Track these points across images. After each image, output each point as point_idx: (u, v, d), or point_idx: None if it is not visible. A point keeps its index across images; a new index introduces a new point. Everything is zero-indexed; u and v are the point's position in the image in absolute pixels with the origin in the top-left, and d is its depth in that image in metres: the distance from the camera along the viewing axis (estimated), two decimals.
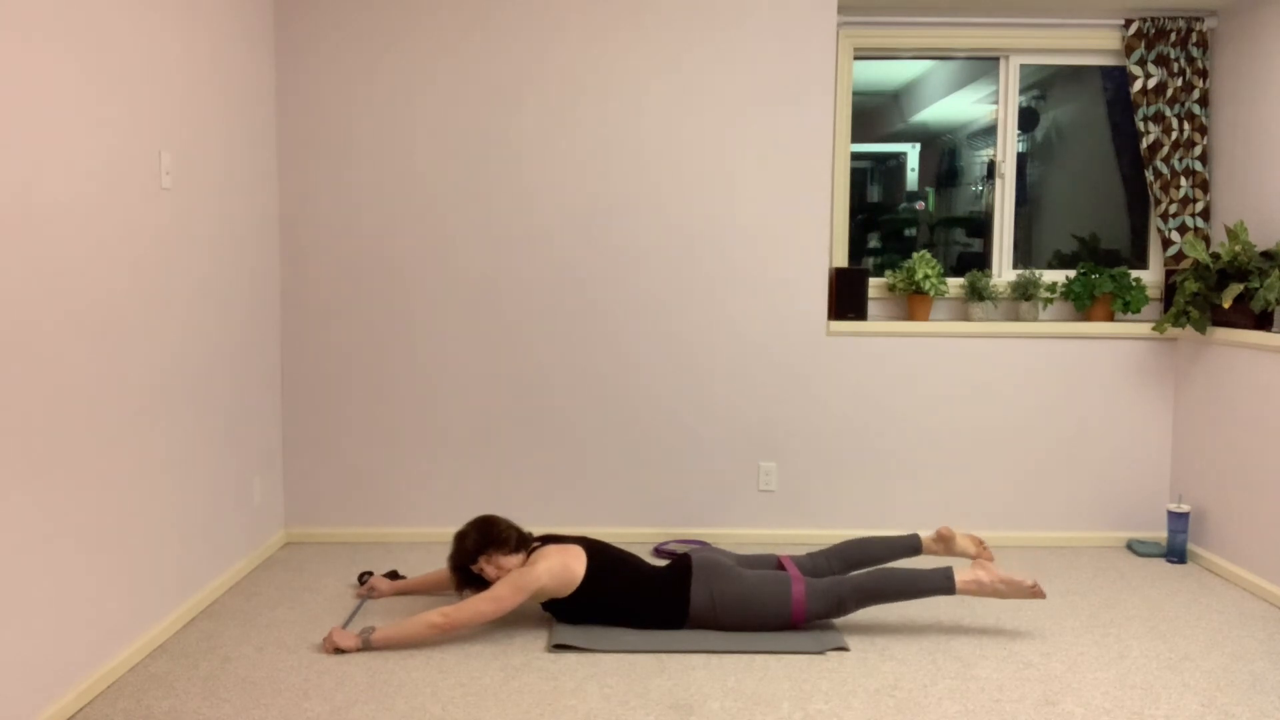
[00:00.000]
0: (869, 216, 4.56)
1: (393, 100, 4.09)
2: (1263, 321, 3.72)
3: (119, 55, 2.82)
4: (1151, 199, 4.27)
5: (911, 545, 3.43)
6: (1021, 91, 4.44)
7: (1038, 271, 4.36)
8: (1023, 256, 4.49)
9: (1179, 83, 4.18)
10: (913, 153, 4.55)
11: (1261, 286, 3.62)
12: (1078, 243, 4.48)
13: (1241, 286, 3.67)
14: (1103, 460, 4.27)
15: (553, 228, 4.14)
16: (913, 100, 4.57)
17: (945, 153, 4.55)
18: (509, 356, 4.19)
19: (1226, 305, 3.72)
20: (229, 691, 2.74)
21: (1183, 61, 4.18)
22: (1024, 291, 4.24)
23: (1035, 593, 3.14)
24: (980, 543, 3.43)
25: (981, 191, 4.50)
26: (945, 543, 3.44)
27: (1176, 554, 4.03)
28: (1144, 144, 4.21)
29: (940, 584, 3.12)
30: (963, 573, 3.16)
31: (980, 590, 3.14)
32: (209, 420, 3.44)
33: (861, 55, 4.37)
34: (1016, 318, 4.33)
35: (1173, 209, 4.21)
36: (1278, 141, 3.81)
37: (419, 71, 4.08)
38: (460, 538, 3.21)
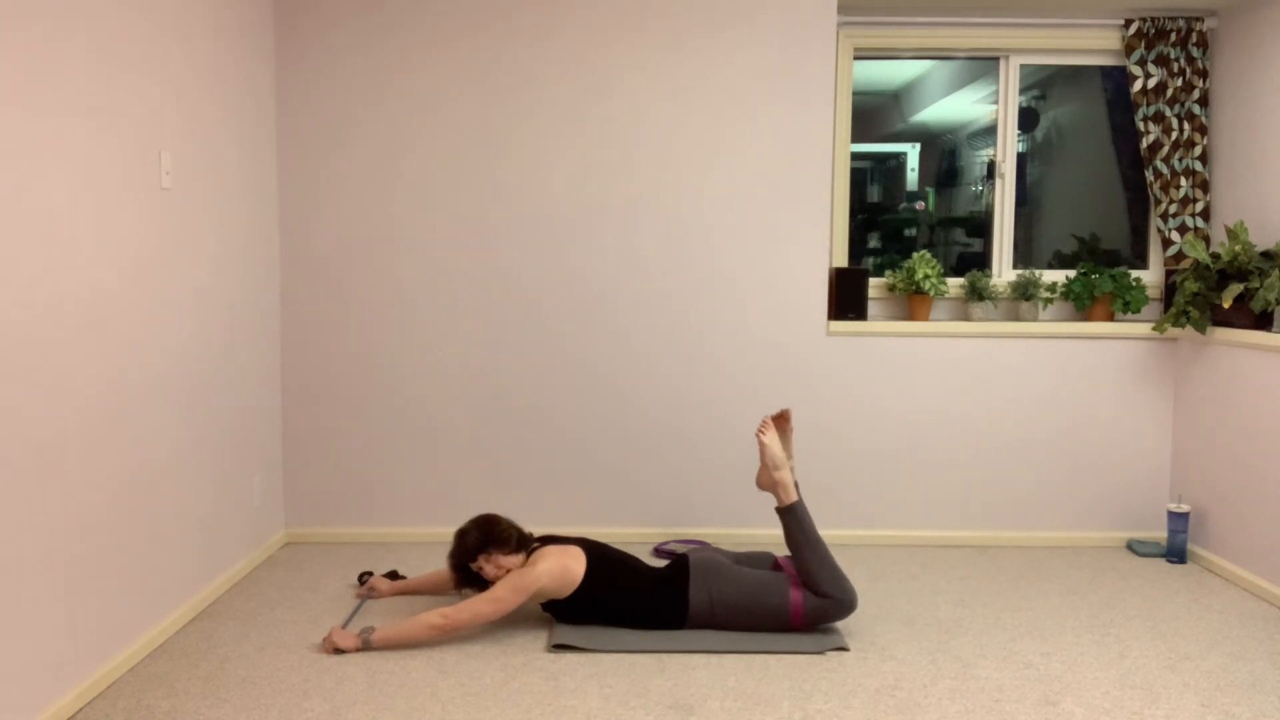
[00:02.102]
0: (869, 216, 4.56)
1: (392, 100, 4.08)
2: (1263, 321, 3.72)
3: (119, 55, 2.82)
4: (1151, 199, 4.27)
5: (777, 504, 3.31)
6: (1021, 91, 4.44)
7: (1038, 271, 4.36)
8: (1023, 256, 4.49)
9: (1179, 83, 4.18)
10: (913, 153, 4.55)
11: (1261, 286, 3.62)
12: (1078, 243, 4.48)
13: (1241, 286, 3.67)
14: (1103, 460, 4.27)
15: (552, 228, 4.14)
16: (913, 100, 4.57)
17: (945, 153, 4.55)
18: (508, 357, 4.19)
19: (1226, 305, 3.72)
20: (229, 691, 2.74)
21: (1183, 61, 4.18)
22: (1024, 291, 4.24)
23: (768, 424, 3.22)
24: (773, 420, 3.32)
25: (981, 191, 4.50)
26: (768, 470, 3.26)
27: (1176, 554, 4.03)
28: (1144, 144, 4.21)
29: (796, 511, 3.14)
30: (781, 492, 3.18)
31: (787, 480, 3.18)
32: (209, 420, 3.44)
33: (861, 55, 4.37)
34: (1016, 318, 4.33)
35: (1173, 209, 4.21)
36: (1278, 141, 3.81)
37: (419, 71, 4.08)
38: (461, 536, 3.21)
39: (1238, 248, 3.75)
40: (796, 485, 3.22)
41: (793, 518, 3.16)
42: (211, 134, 3.45)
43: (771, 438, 3.23)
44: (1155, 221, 4.29)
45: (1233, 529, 3.85)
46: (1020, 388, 4.24)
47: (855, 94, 4.40)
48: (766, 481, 3.26)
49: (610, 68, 4.09)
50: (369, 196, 4.12)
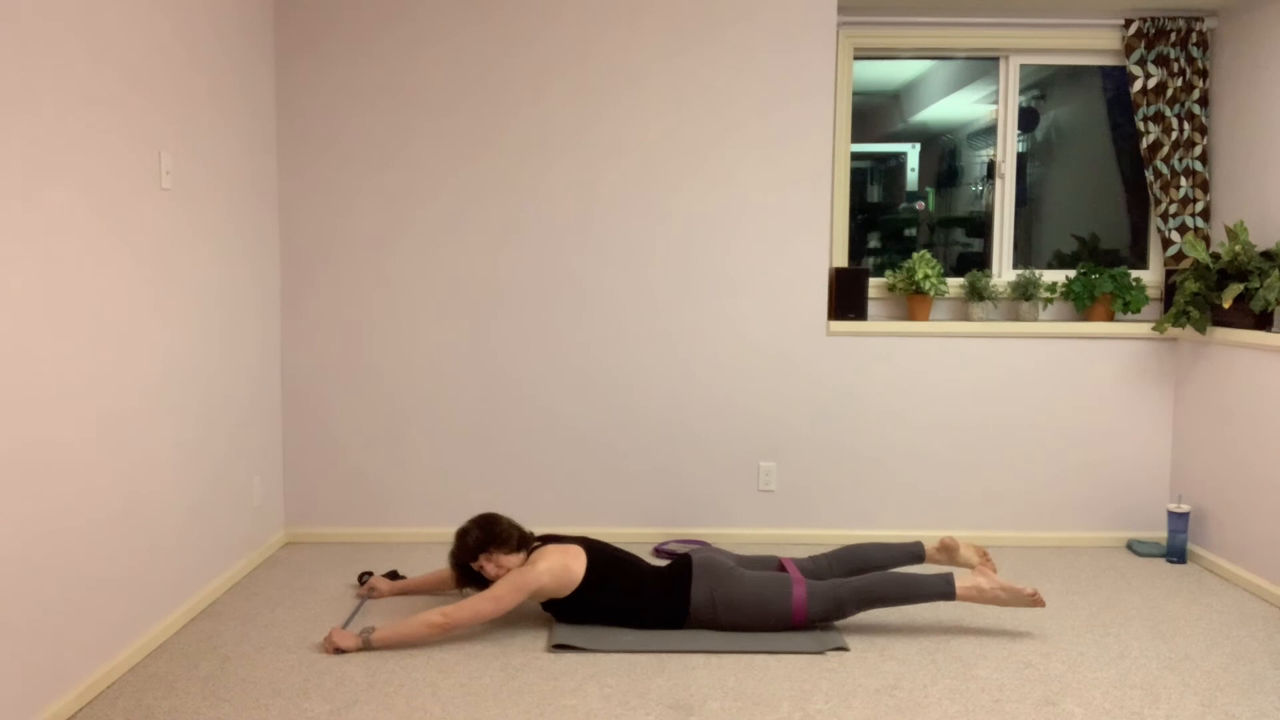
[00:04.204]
0: (869, 216, 4.56)
1: (392, 99, 4.08)
2: (1263, 321, 3.72)
3: (119, 55, 2.82)
4: (1151, 199, 4.27)
5: (914, 553, 3.43)
6: (1021, 91, 4.44)
7: (1038, 271, 4.36)
8: (1023, 256, 4.49)
9: (1179, 83, 4.18)
10: (913, 153, 4.55)
11: (1261, 286, 3.62)
12: (1078, 243, 4.48)
13: (1241, 286, 3.67)
14: (1103, 460, 4.27)
15: (552, 228, 4.14)
16: (913, 100, 4.57)
17: (945, 153, 4.55)
18: (508, 356, 4.19)
19: (1226, 305, 3.72)
20: (229, 691, 2.74)
21: (1183, 61, 4.18)
22: (1024, 291, 4.24)
23: (1035, 601, 3.14)
24: (984, 553, 3.42)
25: (981, 191, 4.50)
26: (949, 552, 3.43)
27: (1176, 554, 4.03)
28: (1144, 144, 4.21)
29: (941, 589, 3.12)
30: (963, 579, 3.16)
31: (980, 597, 3.14)
32: (209, 420, 3.44)
33: (861, 55, 4.37)
34: (1016, 318, 4.33)
35: (1173, 209, 4.21)
36: (1278, 141, 3.81)
37: (418, 71, 4.08)
38: (462, 534, 3.21)
39: (1238, 248, 3.75)
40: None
41: (932, 590, 3.12)
42: (211, 134, 3.45)
43: (1004, 600, 3.17)
44: (1155, 221, 4.29)
45: (1233, 529, 3.85)
46: (1020, 388, 4.24)
47: (855, 94, 4.40)
48: (988, 586, 3.16)
49: (609, 69, 4.09)
50: (369, 196, 4.12)
